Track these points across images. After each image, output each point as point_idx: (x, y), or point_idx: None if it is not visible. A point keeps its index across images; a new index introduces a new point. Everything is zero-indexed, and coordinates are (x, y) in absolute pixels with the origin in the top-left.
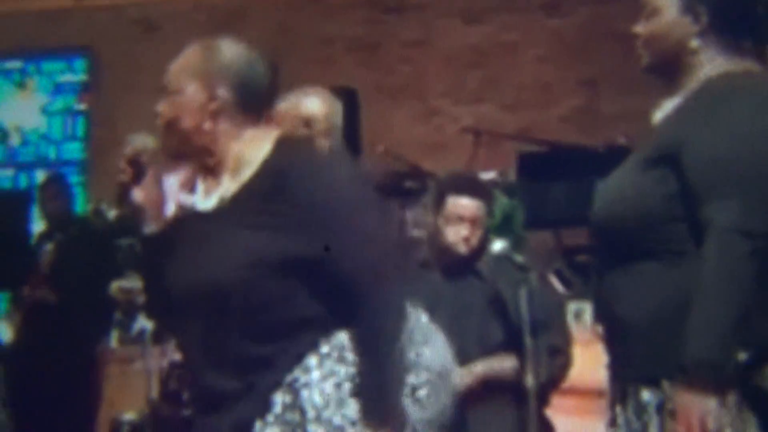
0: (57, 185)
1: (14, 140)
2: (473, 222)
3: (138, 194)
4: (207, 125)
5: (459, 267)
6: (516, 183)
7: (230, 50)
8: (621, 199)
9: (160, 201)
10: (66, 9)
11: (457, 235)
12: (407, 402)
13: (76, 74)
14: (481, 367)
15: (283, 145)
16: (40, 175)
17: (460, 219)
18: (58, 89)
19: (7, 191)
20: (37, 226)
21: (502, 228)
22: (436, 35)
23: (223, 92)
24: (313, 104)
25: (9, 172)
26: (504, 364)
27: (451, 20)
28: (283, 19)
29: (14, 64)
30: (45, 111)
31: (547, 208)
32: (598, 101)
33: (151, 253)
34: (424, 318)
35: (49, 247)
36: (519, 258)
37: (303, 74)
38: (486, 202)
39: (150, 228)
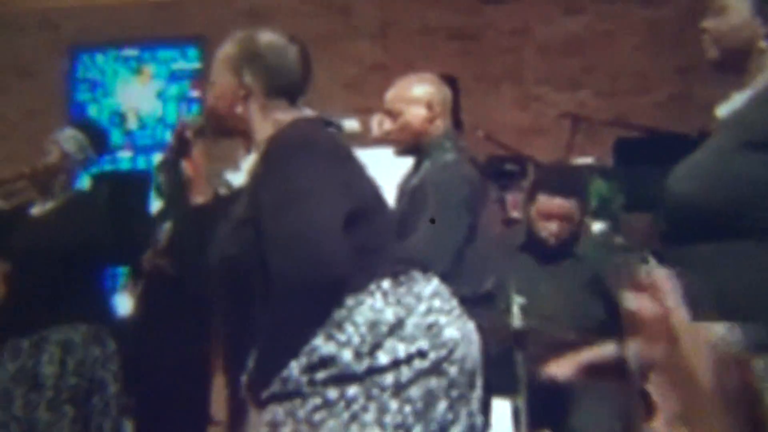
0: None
1: (132, 124)
2: (563, 218)
3: (185, 167)
4: (239, 109)
5: (553, 253)
6: (613, 167)
7: (259, 41)
8: (720, 181)
9: (202, 174)
10: (179, 0)
11: (546, 231)
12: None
13: (189, 62)
14: (581, 357)
15: (275, 132)
16: (157, 157)
17: (550, 216)
18: (173, 76)
19: (126, 172)
20: (155, 205)
21: (601, 211)
22: (534, 24)
23: (249, 79)
24: (432, 89)
25: (128, 154)
26: (605, 351)
27: (549, 10)
28: (386, 10)
29: (131, 52)
30: (160, 96)
31: (645, 191)
32: (691, 89)
33: (195, 223)
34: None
35: (167, 225)
36: (619, 239)
37: (406, 62)
38: (577, 197)
39: (197, 200)
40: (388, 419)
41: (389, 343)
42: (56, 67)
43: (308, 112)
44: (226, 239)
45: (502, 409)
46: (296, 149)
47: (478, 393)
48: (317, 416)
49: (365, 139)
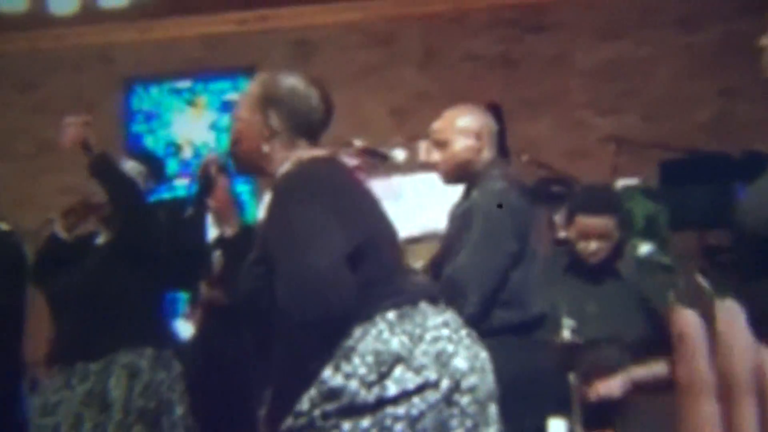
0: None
1: (187, 153)
2: (600, 237)
3: (211, 201)
4: (265, 148)
5: (596, 272)
6: (658, 188)
7: (285, 82)
8: None
9: (230, 206)
10: (230, 33)
11: (585, 250)
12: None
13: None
14: (630, 375)
15: (285, 172)
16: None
17: (588, 235)
18: (225, 107)
19: (183, 199)
20: (212, 232)
21: (647, 231)
22: (574, 51)
23: (275, 120)
24: (479, 119)
25: (184, 182)
26: (654, 369)
27: (588, 37)
28: (429, 39)
29: (185, 84)
30: (214, 127)
31: (690, 210)
32: (733, 109)
33: (227, 252)
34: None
35: (219, 252)
36: (665, 259)
37: (450, 89)
38: (613, 215)
39: (226, 231)
40: None
41: (398, 372)
42: (113, 100)
43: (324, 151)
44: (244, 275)
45: (557, 429)
46: (300, 189)
47: (493, 423)
48: None
49: (412, 166)
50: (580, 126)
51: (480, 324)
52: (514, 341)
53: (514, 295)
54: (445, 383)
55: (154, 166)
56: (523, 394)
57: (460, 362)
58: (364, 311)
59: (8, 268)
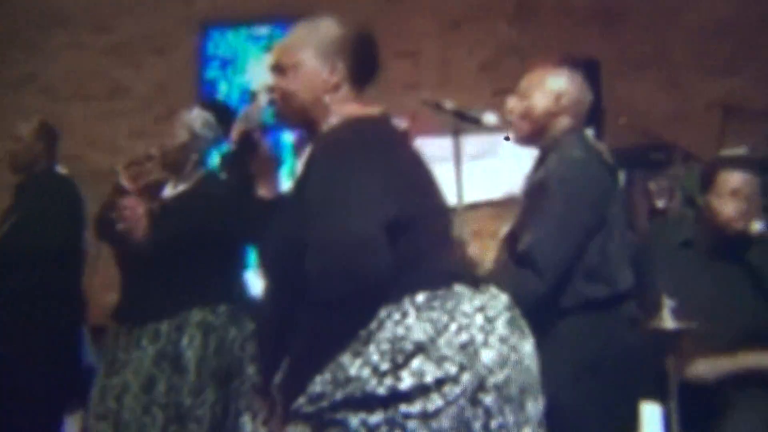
0: (304, 145)
1: (262, 102)
2: (748, 198)
3: (252, 165)
4: (326, 98)
5: (727, 248)
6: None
7: (343, 26)
8: None
9: (269, 171)
10: None
11: (734, 210)
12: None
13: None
14: (738, 360)
15: (328, 130)
16: (287, 136)
17: (735, 193)
18: None
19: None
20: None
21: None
22: (682, 5)
23: (341, 66)
24: (566, 84)
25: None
26: (763, 359)
27: None
28: None
29: (262, 30)
30: None
31: None
32: None
33: (260, 215)
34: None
35: None
36: None
37: (543, 44)
38: (758, 177)
39: (262, 193)
40: None
41: (416, 363)
42: (188, 43)
43: (374, 110)
44: (274, 237)
45: (652, 414)
46: (341, 151)
47: (530, 421)
48: None
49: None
50: (684, 89)
51: (557, 300)
52: (599, 317)
53: (596, 268)
54: (466, 377)
55: (225, 114)
56: (608, 375)
57: (488, 354)
58: (394, 292)
59: (65, 212)
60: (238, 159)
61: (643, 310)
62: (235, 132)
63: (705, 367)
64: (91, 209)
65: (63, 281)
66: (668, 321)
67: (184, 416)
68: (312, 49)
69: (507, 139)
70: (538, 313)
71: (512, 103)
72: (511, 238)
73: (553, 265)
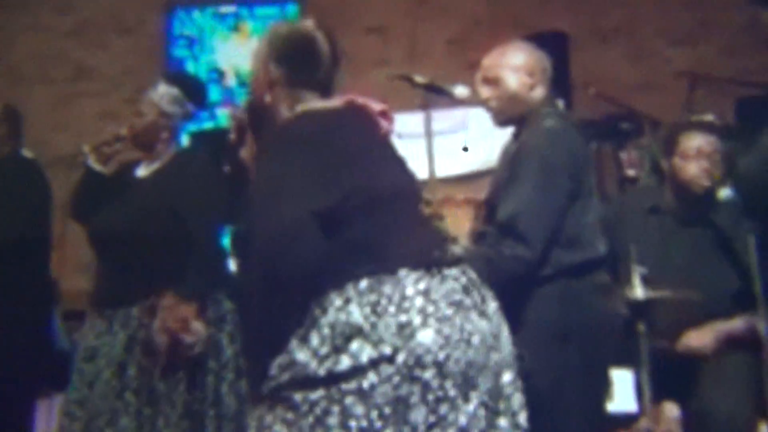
0: None
1: (230, 81)
2: (710, 157)
3: (243, 153)
4: (267, 97)
5: (694, 209)
6: (735, 127)
7: (283, 32)
8: None
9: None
10: None
11: (698, 168)
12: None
13: (288, 20)
14: (720, 328)
15: (273, 128)
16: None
17: (698, 154)
18: None
19: (226, 128)
20: None
21: (725, 173)
22: None
23: (273, 67)
24: (531, 55)
25: (226, 111)
26: (737, 324)
27: None
28: None
29: (229, 9)
30: None
31: None
32: None
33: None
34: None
35: None
36: None
37: (512, 17)
38: (721, 139)
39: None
40: (352, 423)
41: (354, 345)
42: (153, 24)
43: (333, 103)
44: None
45: (624, 381)
46: (280, 143)
47: (476, 397)
48: (288, 417)
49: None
50: (652, 59)
51: (542, 267)
52: (570, 284)
53: (573, 235)
54: (401, 357)
55: (192, 87)
56: (580, 341)
57: (425, 335)
58: (338, 278)
59: (31, 195)
60: (234, 150)
61: (614, 279)
62: (233, 125)
63: (699, 339)
64: (56, 194)
65: (31, 265)
66: (638, 289)
67: (157, 400)
68: (256, 55)
69: (465, 150)
70: (520, 280)
71: (486, 92)
72: (489, 209)
73: (539, 233)
